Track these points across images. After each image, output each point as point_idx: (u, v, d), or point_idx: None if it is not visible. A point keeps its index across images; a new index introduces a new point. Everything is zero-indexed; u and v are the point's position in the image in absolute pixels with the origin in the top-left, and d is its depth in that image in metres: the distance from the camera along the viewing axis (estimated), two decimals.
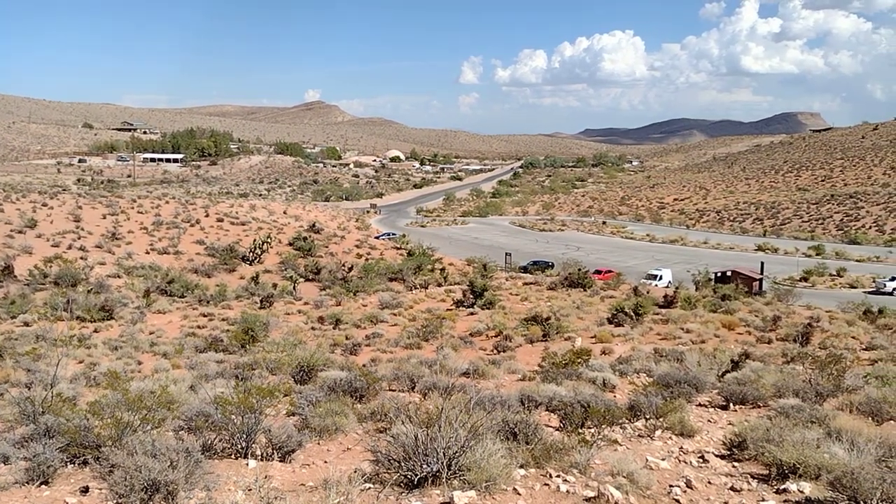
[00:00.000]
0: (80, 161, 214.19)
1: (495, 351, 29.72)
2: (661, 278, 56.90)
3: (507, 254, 71.15)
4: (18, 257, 56.26)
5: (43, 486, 9.85)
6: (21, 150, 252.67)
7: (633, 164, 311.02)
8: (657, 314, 37.86)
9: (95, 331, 37.69)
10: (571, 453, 9.66)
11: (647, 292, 44.01)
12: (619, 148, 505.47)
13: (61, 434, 10.90)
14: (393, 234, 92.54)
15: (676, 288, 46.43)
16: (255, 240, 68.12)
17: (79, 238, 65.52)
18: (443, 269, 60.98)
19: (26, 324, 38.80)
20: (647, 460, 10.10)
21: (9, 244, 60.02)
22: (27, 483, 9.91)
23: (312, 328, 38.67)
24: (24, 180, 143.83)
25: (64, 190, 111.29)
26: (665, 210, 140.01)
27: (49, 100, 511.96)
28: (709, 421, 13.72)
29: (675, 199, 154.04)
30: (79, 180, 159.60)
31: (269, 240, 68.49)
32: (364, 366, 22.72)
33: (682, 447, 11.32)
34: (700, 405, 15.27)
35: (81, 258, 58.93)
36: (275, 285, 55.07)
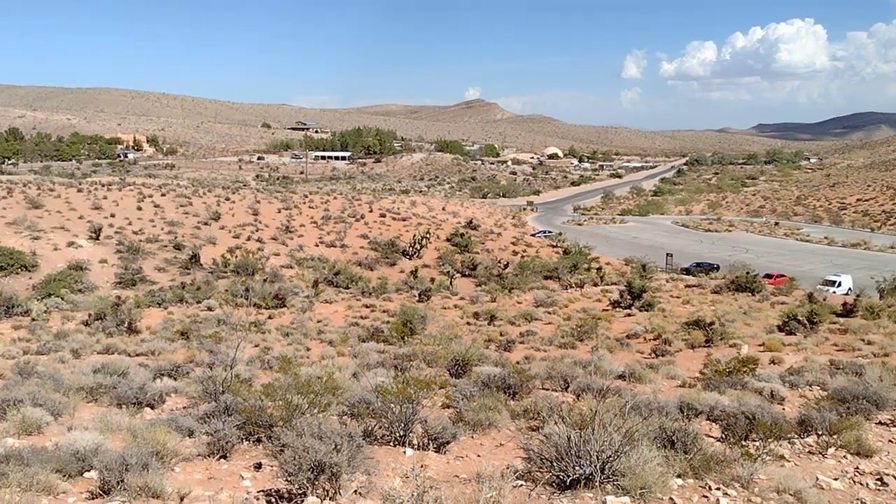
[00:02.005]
0: (258, 158, 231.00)
1: (653, 355, 28.80)
2: (839, 285, 52.69)
3: (668, 254, 68.66)
4: (204, 247, 61.35)
5: (222, 460, 10.76)
6: (208, 148, 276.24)
7: (811, 161, 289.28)
8: (834, 323, 35.04)
9: (269, 317, 40.24)
10: (733, 466, 9.23)
11: (824, 299, 40.85)
12: (794, 144, 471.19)
13: (238, 412, 11.81)
14: (549, 232, 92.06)
15: (857, 296, 42.71)
16: (414, 235, 70.12)
17: (256, 230, 70.34)
18: (599, 269, 59.86)
19: (210, 308, 42.16)
20: (817, 479, 9.46)
21: (196, 235, 65.72)
22: (208, 456, 10.88)
23: (468, 323, 39.23)
24: (209, 176, 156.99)
25: (244, 185, 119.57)
26: (846, 211, 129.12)
27: (232, 101, 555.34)
28: (890, 441, 12.56)
29: (857, 200, 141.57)
30: (257, 176, 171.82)
31: (427, 235, 70.26)
32: (518, 363, 22.82)
33: (857, 467, 10.48)
34: (880, 423, 14.01)
35: (258, 249, 63.16)
36: (432, 280, 56.46)
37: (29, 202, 67.62)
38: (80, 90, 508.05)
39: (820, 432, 12.22)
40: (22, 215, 61.65)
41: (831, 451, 11.36)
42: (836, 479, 9.63)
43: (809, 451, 11.48)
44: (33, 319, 36.56)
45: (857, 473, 10.13)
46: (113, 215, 67.91)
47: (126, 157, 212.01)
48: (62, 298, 43.26)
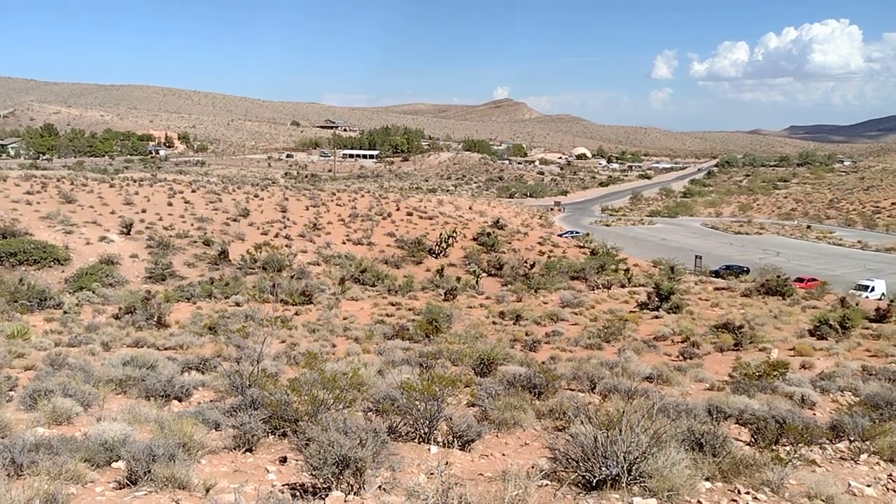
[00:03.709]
0: (287, 156, 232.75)
1: (681, 357, 28.49)
2: (873, 289, 51.72)
3: (696, 256, 67.94)
4: (233, 243, 61.96)
5: (247, 453, 10.83)
6: (238, 145, 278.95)
7: (845, 163, 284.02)
8: (867, 328, 34.39)
9: (296, 314, 40.53)
10: (763, 470, 9.07)
11: (857, 304, 40.14)
12: (827, 146, 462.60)
13: (265, 406, 11.88)
14: (576, 233, 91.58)
15: (891, 301, 41.90)
16: (441, 234, 70.20)
17: (284, 227, 70.91)
18: (627, 270, 59.44)
19: (237, 304, 42.59)
20: (849, 485, 9.26)
21: (225, 231, 66.40)
22: (234, 449, 10.95)
23: (493, 322, 39.14)
24: (239, 173, 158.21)
25: (273, 183, 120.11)
26: (881, 215, 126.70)
27: (262, 99, 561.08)
28: None
29: (892, 203, 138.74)
30: (286, 174, 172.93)
31: (454, 234, 70.29)
32: (543, 363, 22.69)
33: (890, 474, 10.24)
34: None
35: (286, 246, 63.71)
36: (458, 279, 56.44)
37: (62, 197, 68.80)
38: (113, 87, 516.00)
39: (852, 438, 11.99)
40: (55, 210, 62.71)
41: (864, 457, 11.13)
42: (868, 486, 9.43)
43: (841, 457, 11.26)
44: (65, 312, 37.19)
45: (890, 480, 9.91)
46: (144, 211, 68.84)
47: (157, 153, 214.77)
48: (93, 292, 43.94)
